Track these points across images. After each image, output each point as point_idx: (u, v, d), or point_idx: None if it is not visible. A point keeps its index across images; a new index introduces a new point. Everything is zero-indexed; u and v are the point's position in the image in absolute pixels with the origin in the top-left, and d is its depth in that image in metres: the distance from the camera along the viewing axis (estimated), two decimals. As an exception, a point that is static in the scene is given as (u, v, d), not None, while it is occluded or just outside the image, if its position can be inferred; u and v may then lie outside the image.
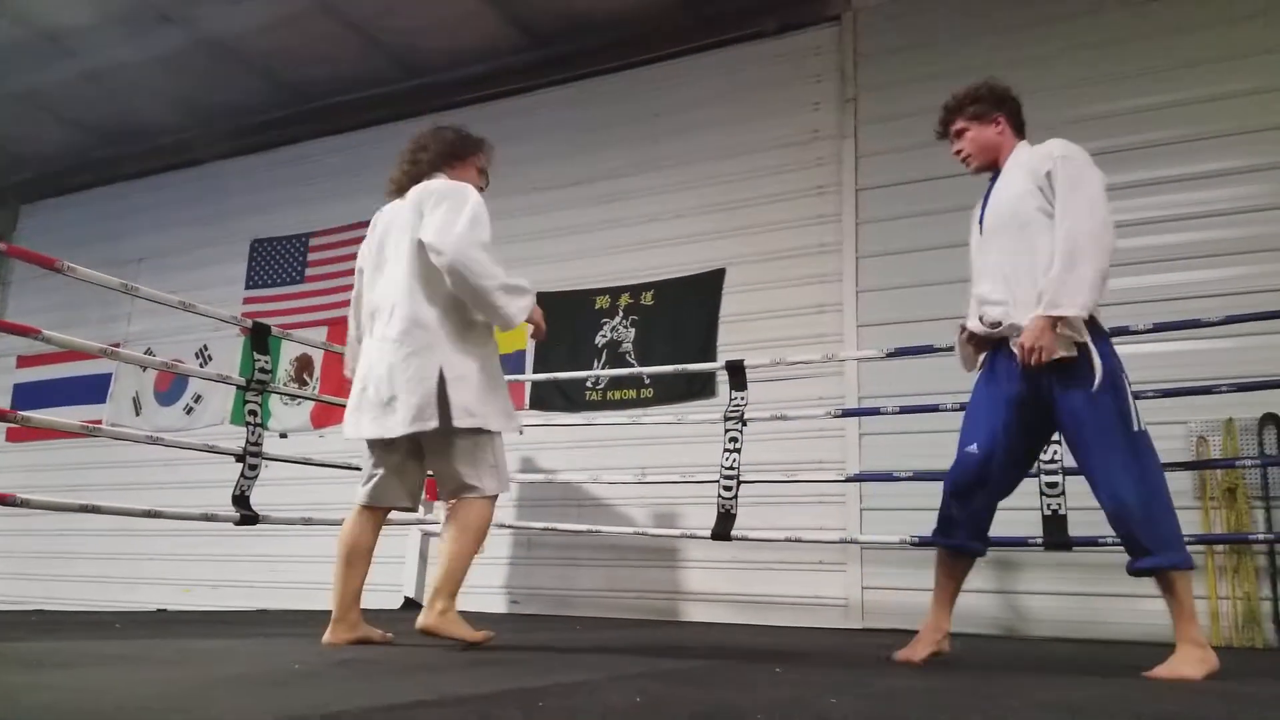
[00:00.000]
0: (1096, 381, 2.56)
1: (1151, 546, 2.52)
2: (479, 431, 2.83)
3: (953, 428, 4.53)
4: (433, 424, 2.76)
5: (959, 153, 2.95)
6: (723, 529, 4.65)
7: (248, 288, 8.24)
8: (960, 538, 2.87)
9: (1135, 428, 2.59)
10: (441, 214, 2.84)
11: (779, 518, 5.18)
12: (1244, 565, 4.56)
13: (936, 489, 4.61)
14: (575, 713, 1.51)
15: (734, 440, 4.75)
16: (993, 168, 2.92)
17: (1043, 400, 2.69)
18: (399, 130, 7.87)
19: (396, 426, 2.80)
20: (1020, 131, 2.92)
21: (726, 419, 4.80)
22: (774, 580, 5.52)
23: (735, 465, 4.70)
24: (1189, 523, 4.56)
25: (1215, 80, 5.19)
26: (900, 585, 5.13)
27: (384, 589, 6.32)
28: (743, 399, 4.84)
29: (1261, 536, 4.46)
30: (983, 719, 1.63)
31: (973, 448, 2.85)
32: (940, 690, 2.09)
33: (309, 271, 7.98)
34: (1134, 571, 2.58)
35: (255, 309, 7.77)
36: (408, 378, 2.79)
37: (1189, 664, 2.46)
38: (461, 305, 2.86)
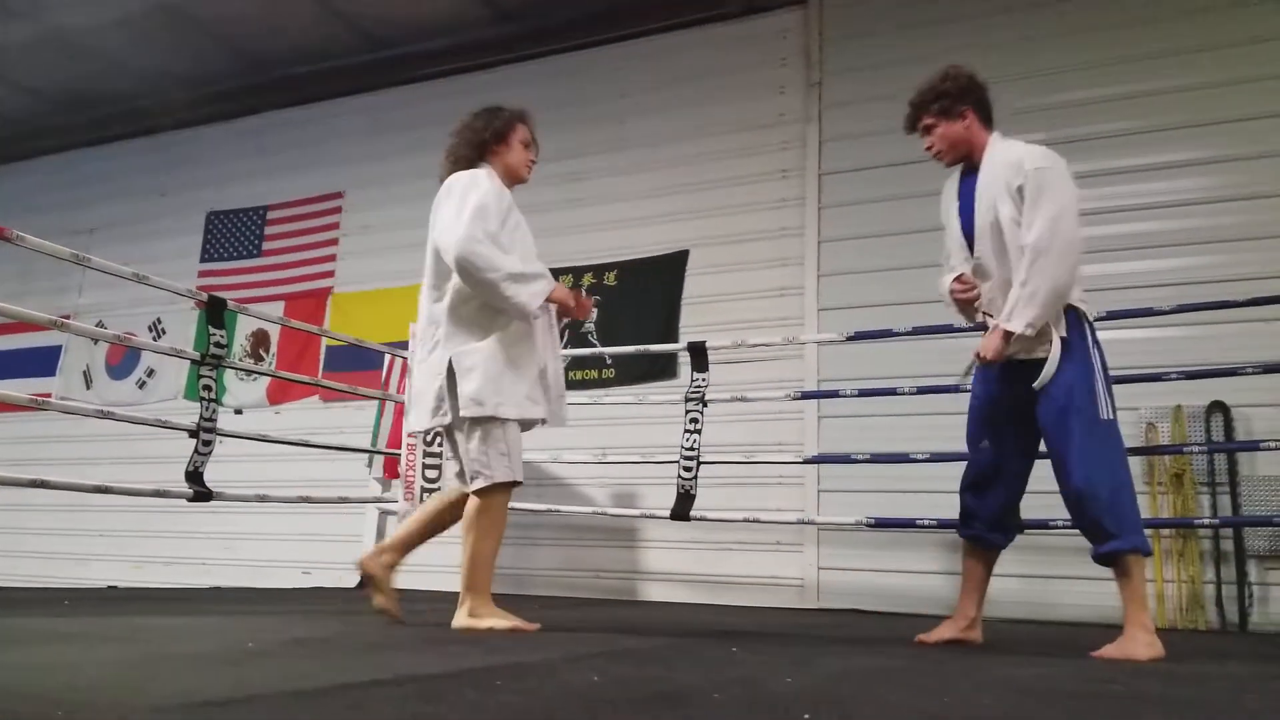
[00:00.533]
0: (1046, 378, 2.63)
1: (1115, 530, 2.58)
2: (490, 420, 2.81)
3: (909, 411, 4.63)
4: (446, 418, 2.85)
5: (929, 148, 2.92)
6: (682, 509, 4.68)
7: (203, 260, 8.11)
8: (978, 529, 2.92)
9: (1104, 416, 2.66)
10: (446, 212, 2.86)
11: (738, 499, 5.22)
12: (1189, 549, 4.68)
13: (892, 471, 4.71)
14: (532, 692, 1.52)
15: (695, 421, 4.77)
16: (965, 160, 2.90)
17: (1027, 394, 2.74)
18: (360, 103, 7.81)
19: (417, 422, 2.98)
20: (989, 122, 2.89)
21: (687, 400, 4.82)
22: (732, 560, 5.56)
23: (695, 446, 4.72)
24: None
25: (1169, 74, 5.28)
26: (856, 566, 5.20)
27: (340, 567, 6.30)
28: (704, 380, 4.86)
29: (1207, 521, 4.57)
30: (933, 698, 1.66)
31: (985, 444, 2.90)
32: (893, 670, 2.12)
33: (266, 245, 7.87)
34: (1099, 556, 2.63)
35: (211, 282, 7.64)
36: (424, 374, 2.91)
37: (1138, 646, 2.53)
38: (463, 298, 2.88)
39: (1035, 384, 2.66)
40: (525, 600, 5.27)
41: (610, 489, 5.97)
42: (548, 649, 2.31)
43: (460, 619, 2.81)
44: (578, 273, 6.55)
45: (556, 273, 6.51)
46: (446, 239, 2.80)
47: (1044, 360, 2.67)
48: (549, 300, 2.87)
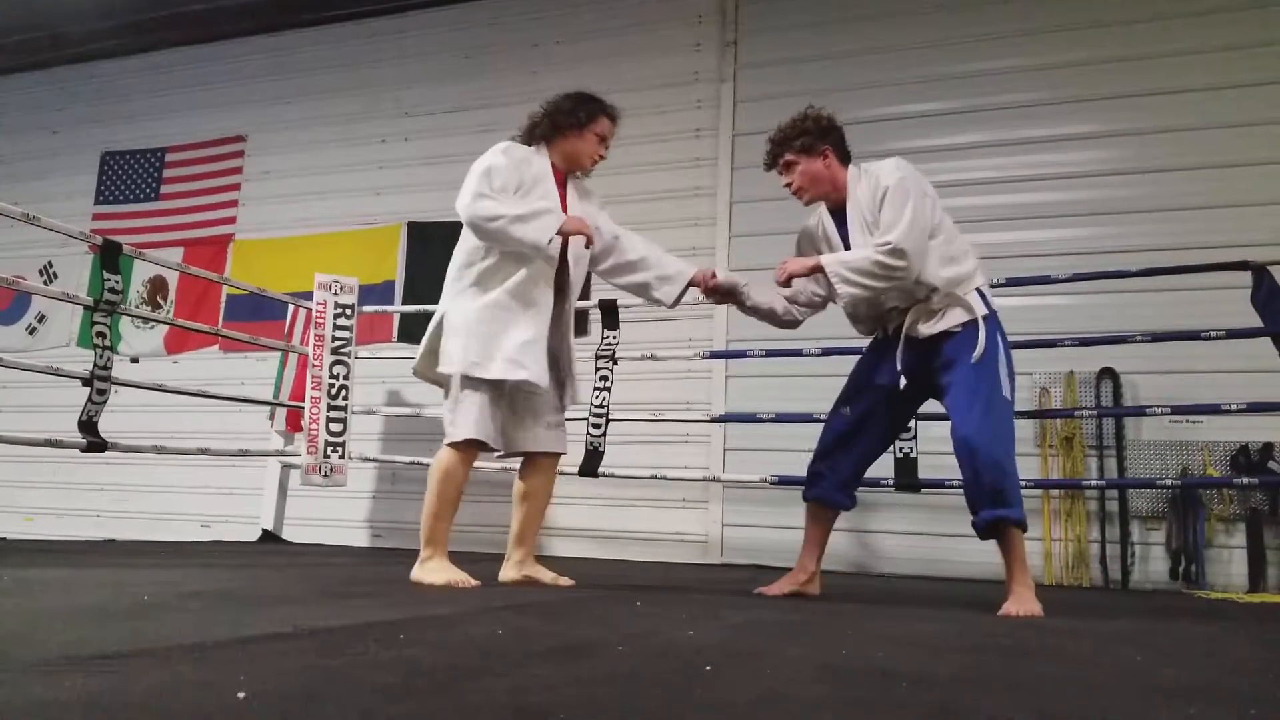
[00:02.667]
0: (982, 347, 2.75)
1: (1009, 500, 2.69)
2: (462, 377, 2.84)
3: (814, 372, 4.71)
4: (430, 372, 2.97)
5: (789, 185, 3.00)
6: (590, 466, 4.70)
7: (98, 203, 7.75)
8: (827, 490, 3.03)
9: (1004, 394, 2.78)
10: (463, 186, 2.90)
11: (646, 456, 5.27)
12: (1076, 509, 4.91)
13: (796, 430, 4.79)
14: (436, 645, 1.52)
15: (605, 379, 4.79)
16: (825, 198, 2.98)
17: (928, 366, 2.85)
18: (265, 43, 7.51)
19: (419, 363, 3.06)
20: (846, 159, 2.98)
21: (598, 358, 4.82)
22: (637, 516, 5.63)
23: (605, 404, 4.74)
24: (1029, 469, 4.88)
25: (1071, 48, 5.44)
26: (757, 523, 5.33)
27: (241, 521, 6.16)
28: (615, 338, 4.87)
29: (1094, 483, 4.80)
30: (830, 650, 1.71)
31: (846, 410, 3.02)
32: (792, 624, 2.18)
33: (164, 189, 7.55)
34: (987, 522, 2.72)
35: (105, 225, 7.31)
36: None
37: (1027, 603, 2.65)
38: (467, 261, 2.94)
39: (973, 357, 2.75)
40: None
41: (520, 445, 5.95)
42: (453, 603, 2.31)
43: (414, 571, 2.90)
44: (490, 226, 6.46)
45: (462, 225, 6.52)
46: (459, 208, 2.86)
47: (947, 334, 2.80)
48: (562, 232, 2.82)
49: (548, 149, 3.05)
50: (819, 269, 2.79)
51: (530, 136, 3.06)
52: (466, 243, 2.97)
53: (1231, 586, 4.59)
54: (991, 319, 2.84)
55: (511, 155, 2.95)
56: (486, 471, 5.64)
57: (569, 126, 3.05)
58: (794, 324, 3.15)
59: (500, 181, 2.87)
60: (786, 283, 2.92)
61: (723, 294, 3.10)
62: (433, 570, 2.87)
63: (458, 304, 2.90)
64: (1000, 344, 2.84)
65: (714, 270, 3.14)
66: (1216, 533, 4.72)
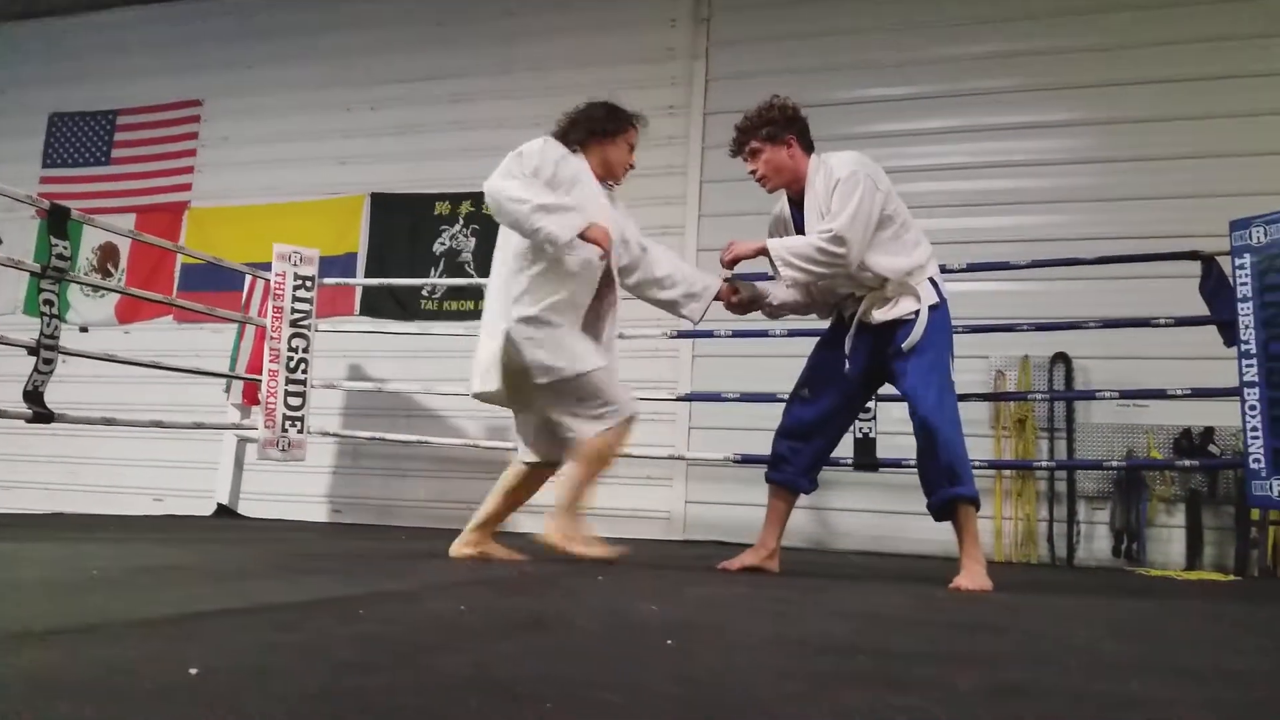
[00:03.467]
0: (915, 339, 2.84)
1: (964, 478, 2.78)
2: (572, 378, 2.86)
3: (779, 353, 4.72)
4: (494, 386, 2.95)
5: (753, 173, 3.05)
6: (552, 443, 4.68)
7: (45, 166, 7.54)
8: (790, 474, 3.08)
9: (951, 378, 2.89)
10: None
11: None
12: (1027, 489, 5.00)
13: (760, 410, 4.82)
14: (395, 621, 1.50)
15: (568, 355, 4.76)
16: (787, 187, 3.04)
17: (882, 351, 2.92)
18: (223, 5, 7.32)
19: (481, 385, 3.00)
20: (809, 149, 3.03)
21: (562, 334, 4.79)
22: (602, 493, 5.60)
23: (568, 380, 4.71)
24: (983, 450, 4.95)
25: (1039, 36, 5.48)
26: (720, 500, 5.35)
27: (195, 495, 6.07)
28: (579, 315, 4.85)
29: (1045, 464, 4.90)
30: (789, 624, 1.72)
31: (806, 391, 3.07)
32: (752, 599, 2.20)
33: (116, 153, 7.36)
34: (938, 502, 2.80)
35: (54, 190, 7.12)
36: (484, 338, 2.98)
37: (978, 578, 2.72)
38: (517, 266, 2.87)
39: (905, 345, 2.84)
40: (392, 531, 5.22)
41: (483, 421, 5.92)
42: (415, 578, 2.30)
43: (550, 535, 2.91)
44: (455, 199, 6.39)
45: (434, 198, 6.45)
46: (484, 185, 2.81)
47: (900, 321, 2.87)
48: (585, 238, 2.75)
49: (584, 153, 3.01)
50: (764, 251, 2.88)
51: (565, 140, 3.00)
52: (513, 247, 2.89)
53: (1170, 564, 4.71)
54: (941, 307, 2.92)
55: (551, 148, 2.91)
56: (447, 448, 5.62)
57: (605, 134, 3.02)
58: (826, 306, 3.15)
59: (534, 165, 2.83)
60: (731, 264, 2.98)
61: (745, 306, 3.19)
62: (587, 542, 2.91)
63: (520, 314, 2.82)
64: (949, 331, 2.94)
65: (735, 285, 3.17)
66: (1158, 513, 4.84)
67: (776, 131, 2.97)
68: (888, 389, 3.13)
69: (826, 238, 2.78)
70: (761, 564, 3.07)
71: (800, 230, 2.98)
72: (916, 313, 2.87)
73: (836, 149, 3.06)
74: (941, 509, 2.82)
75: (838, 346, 3.03)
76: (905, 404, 2.89)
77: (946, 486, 2.77)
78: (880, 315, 2.90)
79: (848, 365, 2.96)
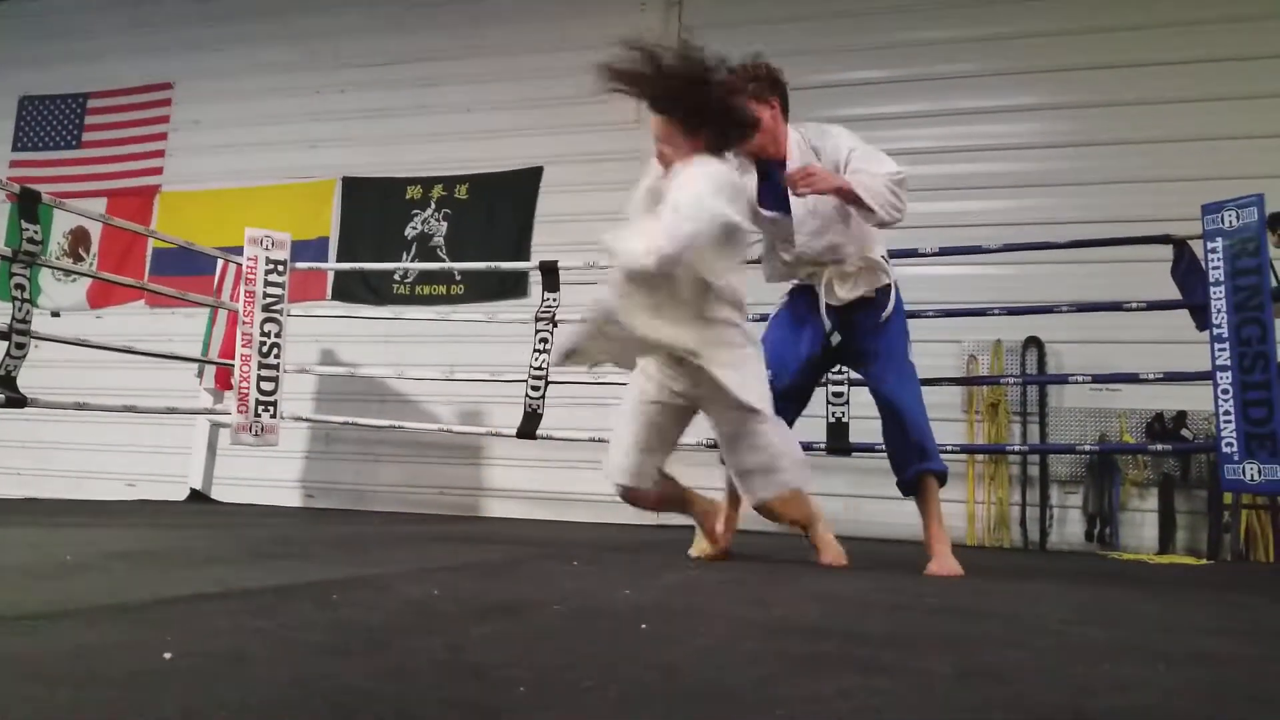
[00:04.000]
0: (887, 312, 2.87)
1: (932, 453, 2.81)
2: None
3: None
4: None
5: None
6: (529, 428, 4.69)
7: (15, 149, 7.44)
8: None
9: (909, 357, 2.92)
10: None
11: (585, 418, 5.26)
12: (1000, 473, 5.05)
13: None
14: (369, 606, 1.51)
15: (544, 341, 4.76)
16: (762, 151, 2.86)
17: (846, 333, 2.92)
18: (193, -14, 7.22)
19: None
20: (786, 114, 2.92)
21: (538, 319, 4.80)
22: (576, 478, 5.63)
23: (544, 366, 4.72)
24: (955, 434, 5.00)
25: (1015, 19, 5.51)
26: (695, 485, 5.36)
27: (168, 480, 6.03)
28: (555, 300, 4.84)
29: (1017, 448, 4.94)
30: (764, 608, 1.74)
31: (770, 376, 3.03)
32: (727, 583, 2.21)
33: (86, 136, 7.26)
34: (910, 478, 2.83)
35: (24, 174, 7.02)
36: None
37: (948, 563, 2.75)
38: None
39: (883, 315, 2.85)
40: (364, 516, 5.21)
41: (456, 406, 5.91)
42: (388, 563, 2.29)
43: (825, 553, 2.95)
44: (427, 184, 6.36)
45: (405, 182, 6.41)
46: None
47: (863, 300, 2.87)
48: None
49: None
50: (840, 190, 2.66)
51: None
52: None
53: (1143, 548, 4.77)
54: (895, 285, 2.93)
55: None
56: (420, 433, 5.60)
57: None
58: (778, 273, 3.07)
59: None
60: (807, 190, 2.70)
61: None
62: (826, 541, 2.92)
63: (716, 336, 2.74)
64: (904, 311, 2.96)
65: None
66: (1130, 497, 4.91)
67: (762, 90, 2.82)
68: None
69: (897, 179, 2.64)
70: (719, 539, 3.10)
71: (764, 203, 2.87)
72: (879, 290, 2.87)
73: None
74: (912, 485, 2.85)
75: (798, 333, 3.00)
76: (875, 386, 2.90)
77: (917, 463, 2.80)
78: (845, 293, 2.87)
79: (835, 338, 2.92)
